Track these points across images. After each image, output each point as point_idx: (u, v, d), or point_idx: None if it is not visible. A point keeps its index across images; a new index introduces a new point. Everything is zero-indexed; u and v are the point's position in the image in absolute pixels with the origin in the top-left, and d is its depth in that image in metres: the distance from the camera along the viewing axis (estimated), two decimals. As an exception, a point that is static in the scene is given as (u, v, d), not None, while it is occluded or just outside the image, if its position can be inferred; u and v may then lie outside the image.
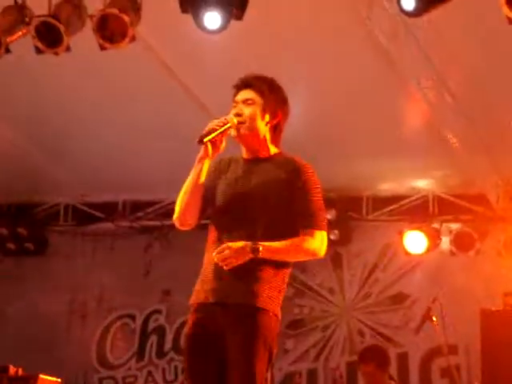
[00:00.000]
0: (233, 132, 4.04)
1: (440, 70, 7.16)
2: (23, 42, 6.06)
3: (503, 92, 7.37)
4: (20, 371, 7.08)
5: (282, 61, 7.02)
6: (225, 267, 3.83)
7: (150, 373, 10.15)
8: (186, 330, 4.04)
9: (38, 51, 6.23)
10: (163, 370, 10.21)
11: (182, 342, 4.13)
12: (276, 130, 4.15)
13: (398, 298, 9.61)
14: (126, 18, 5.98)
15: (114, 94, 7.87)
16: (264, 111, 4.08)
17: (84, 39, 6.02)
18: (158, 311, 10.11)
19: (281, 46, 6.94)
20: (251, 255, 3.82)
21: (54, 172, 9.61)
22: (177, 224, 4.10)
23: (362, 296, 9.80)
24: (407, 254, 9.36)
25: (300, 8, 6.52)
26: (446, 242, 9.27)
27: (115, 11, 5.95)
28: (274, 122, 4.12)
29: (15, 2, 6.11)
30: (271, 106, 4.10)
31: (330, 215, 9.40)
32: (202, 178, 4.03)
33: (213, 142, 3.98)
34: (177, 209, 4.07)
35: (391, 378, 7.81)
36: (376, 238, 9.79)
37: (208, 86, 7.44)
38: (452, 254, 9.13)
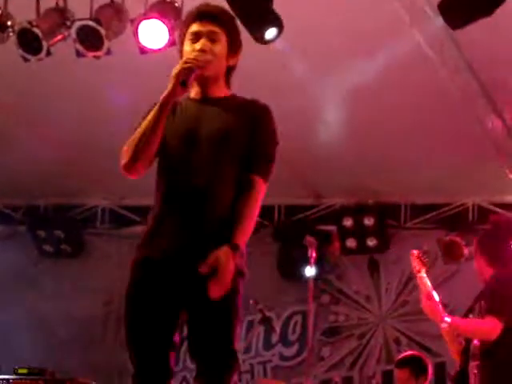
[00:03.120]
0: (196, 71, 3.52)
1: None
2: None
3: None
4: (56, 374, 7.10)
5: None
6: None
7: (184, 378, 10.11)
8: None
9: (79, 54, 6.26)
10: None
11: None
12: (231, 71, 3.74)
13: (436, 307, 9.47)
14: (167, 23, 5.99)
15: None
16: (229, 50, 3.67)
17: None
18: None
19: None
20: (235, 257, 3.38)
21: (91, 174, 9.62)
22: (125, 171, 3.57)
23: (399, 304, 9.70)
24: (446, 262, 9.26)
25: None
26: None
27: (156, 15, 5.97)
28: (233, 63, 3.71)
29: (56, 5, 6.15)
30: (235, 46, 3.70)
31: (368, 221, 9.41)
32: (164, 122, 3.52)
33: (187, 82, 3.49)
34: (129, 154, 3.52)
35: (429, 388, 7.68)
36: (414, 246, 9.67)
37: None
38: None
